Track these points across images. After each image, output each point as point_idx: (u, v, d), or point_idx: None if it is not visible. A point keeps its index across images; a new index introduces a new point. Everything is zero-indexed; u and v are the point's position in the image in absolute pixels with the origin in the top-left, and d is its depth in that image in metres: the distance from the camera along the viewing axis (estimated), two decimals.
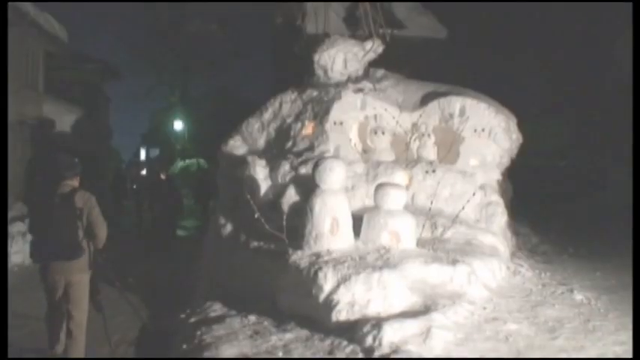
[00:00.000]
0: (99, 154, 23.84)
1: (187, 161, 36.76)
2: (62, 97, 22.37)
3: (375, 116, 10.40)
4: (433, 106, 10.38)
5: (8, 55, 16.55)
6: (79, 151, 18.86)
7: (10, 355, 6.60)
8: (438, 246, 7.85)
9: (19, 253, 12.40)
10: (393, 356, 5.25)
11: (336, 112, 10.13)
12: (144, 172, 26.72)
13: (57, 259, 6.26)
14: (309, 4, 14.79)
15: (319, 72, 11.49)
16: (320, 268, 6.63)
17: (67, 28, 21.41)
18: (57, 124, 21.25)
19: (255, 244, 8.23)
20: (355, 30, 14.24)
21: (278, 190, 9.18)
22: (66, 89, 23.56)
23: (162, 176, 16.62)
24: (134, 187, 21.87)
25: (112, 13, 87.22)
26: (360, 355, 5.45)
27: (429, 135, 10.25)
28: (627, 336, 5.86)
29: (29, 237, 12.64)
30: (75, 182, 6.54)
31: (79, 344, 6.38)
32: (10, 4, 15.56)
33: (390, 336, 5.49)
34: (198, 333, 6.68)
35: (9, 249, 12.24)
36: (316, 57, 11.44)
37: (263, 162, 9.58)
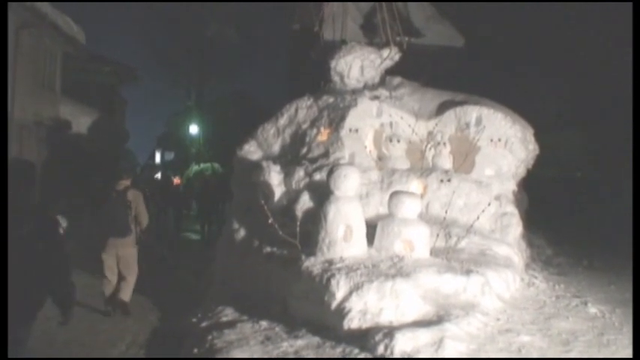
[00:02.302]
0: (115, 156, 23.91)
1: (202, 165, 36.84)
2: (79, 98, 22.48)
3: (391, 124, 10.39)
4: (449, 114, 10.35)
5: (26, 56, 16.73)
6: (95, 152, 19.02)
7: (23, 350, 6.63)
8: (452, 256, 7.81)
9: None
10: None
11: (351, 119, 10.13)
12: (158, 175, 26.78)
13: (113, 236, 8.71)
14: (326, 10, 14.81)
15: (335, 78, 11.51)
16: (333, 275, 6.62)
17: (84, 30, 21.53)
18: (73, 125, 21.35)
19: (268, 249, 8.23)
20: (372, 37, 14.26)
21: (292, 196, 9.18)
22: (83, 91, 23.65)
23: (176, 180, 16.67)
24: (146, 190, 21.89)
25: (130, 16, 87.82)
26: None
27: (444, 144, 10.21)
28: None
29: None
30: (128, 182, 9.03)
31: (130, 285, 8.97)
32: (28, 4, 15.70)
33: (402, 345, 5.46)
34: (210, 337, 6.68)
35: None
36: (333, 63, 11.46)
37: (278, 167, 9.59)
